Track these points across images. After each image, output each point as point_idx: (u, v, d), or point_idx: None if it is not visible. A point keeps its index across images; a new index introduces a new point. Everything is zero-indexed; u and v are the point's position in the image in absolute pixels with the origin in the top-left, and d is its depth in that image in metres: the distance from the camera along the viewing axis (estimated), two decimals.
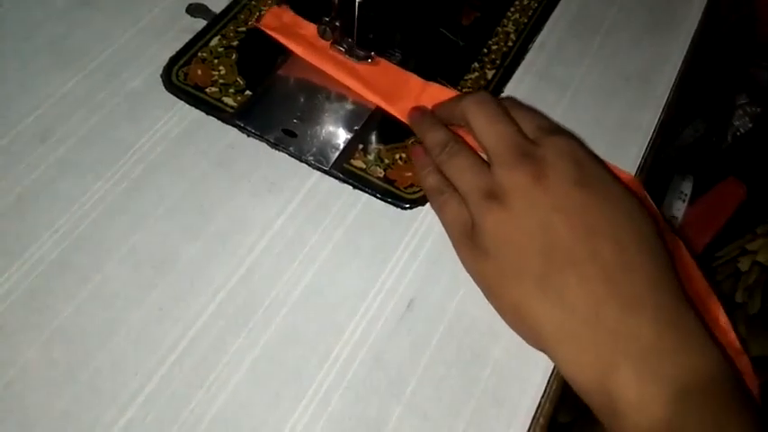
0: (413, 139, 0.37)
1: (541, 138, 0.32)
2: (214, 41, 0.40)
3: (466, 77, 0.40)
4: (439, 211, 0.34)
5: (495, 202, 0.30)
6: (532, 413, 0.30)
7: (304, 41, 0.40)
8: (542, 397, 0.30)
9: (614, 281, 0.28)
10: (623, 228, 0.29)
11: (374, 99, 0.38)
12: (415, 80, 0.39)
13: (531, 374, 0.30)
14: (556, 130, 0.33)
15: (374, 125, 0.38)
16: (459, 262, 0.33)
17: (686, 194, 0.79)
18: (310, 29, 0.40)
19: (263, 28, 0.40)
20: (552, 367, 0.31)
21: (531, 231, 0.29)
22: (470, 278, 0.33)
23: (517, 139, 0.32)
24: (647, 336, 0.27)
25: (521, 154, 0.31)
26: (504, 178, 0.31)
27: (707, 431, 0.25)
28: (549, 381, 0.30)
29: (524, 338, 0.30)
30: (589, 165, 0.31)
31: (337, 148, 0.36)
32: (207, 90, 0.38)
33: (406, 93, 0.38)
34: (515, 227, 0.30)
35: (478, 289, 0.32)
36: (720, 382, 0.27)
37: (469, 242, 0.31)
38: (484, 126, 0.32)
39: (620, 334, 0.27)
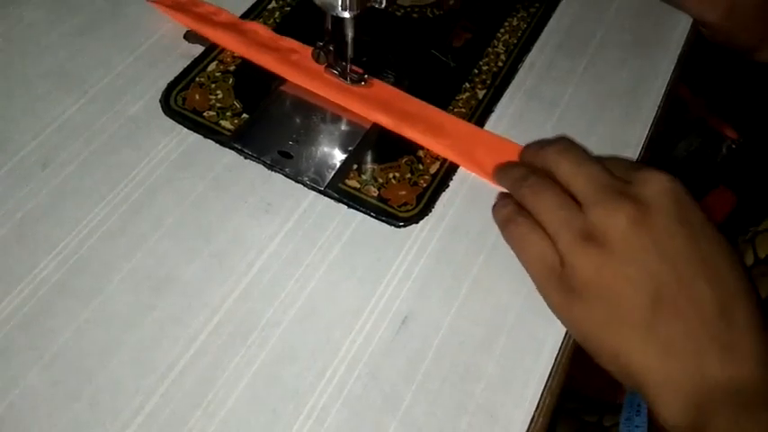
0: (406, 159, 0.38)
1: (633, 175, 0.31)
2: (211, 66, 0.41)
3: (457, 97, 0.41)
4: (517, 245, 0.33)
5: (593, 244, 0.29)
6: (526, 427, 0.30)
7: (200, 18, 0.42)
8: (536, 411, 0.30)
9: (716, 328, 0.28)
10: (722, 272, 0.29)
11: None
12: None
13: (524, 389, 0.31)
14: (644, 167, 0.31)
15: (368, 145, 0.39)
16: (453, 279, 0.34)
17: None
18: (206, 7, 0.43)
19: (155, 5, 0.43)
20: (545, 382, 0.31)
21: (636, 278, 0.28)
22: (465, 294, 0.33)
23: (609, 178, 0.31)
24: (746, 385, 0.27)
25: (616, 193, 0.30)
26: (602, 219, 0.29)
27: None
28: (542, 395, 0.31)
29: (621, 381, 0.30)
30: (688, 203, 0.30)
31: (332, 169, 0.37)
32: (205, 114, 0.39)
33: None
34: (618, 273, 0.29)
35: (473, 303, 0.33)
36: None
37: (559, 283, 0.30)
38: (570, 169, 0.31)
39: (720, 383, 0.27)
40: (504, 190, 0.36)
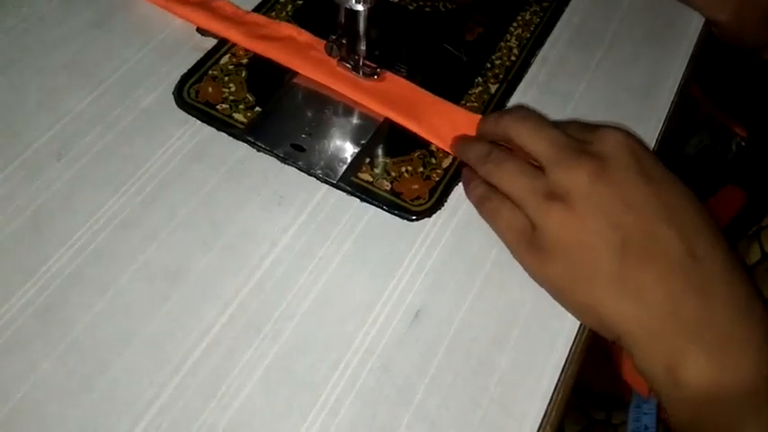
0: (419, 152, 0.38)
1: (591, 134, 0.32)
2: (224, 59, 0.41)
3: (470, 92, 0.41)
4: (490, 218, 0.34)
5: (557, 203, 0.30)
6: (539, 421, 0.30)
7: (189, 6, 0.42)
8: (549, 405, 0.30)
9: (687, 272, 0.28)
10: (687, 218, 0.30)
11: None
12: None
13: (537, 383, 0.31)
14: (603, 126, 0.32)
15: (381, 138, 0.39)
16: (466, 272, 0.34)
17: None
18: None
19: None
20: (559, 375, 0.31)
21: (601, 230, 0.29)
22: (478, 287, 0.33)
23: (567, 139, 0.32)
24: (720, 324, 0.28)
25: (575, 152, 0.31)
26: (564, 177, 0.30)
27: None
28: (555, 389, 0.31)
29: (599, 333, 0.31)
30: (645, 155, 0.31)
31: (345, 162, 0.37)
32: (218, 107, 0.39)
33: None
34: (582, 226, 0.29)
35: (486, 297, 0.33)
36: None
37: (530, 246, 0.31)
38: (530, 134, 0.32)
39: (695, 323, 0.28)
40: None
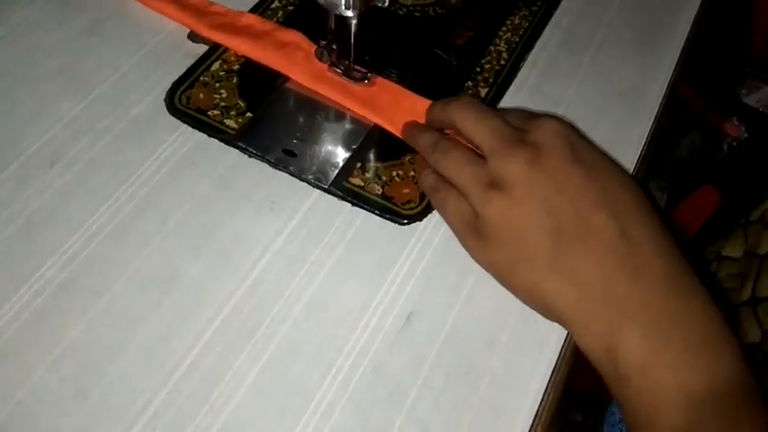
0: (410, 156, 0.38)
1: (530, 123, 0.33)
2: (215, 66, 0.41)
3: (460, 96, 0.41)
4: (439, 208, 0.35)
5: (495, 191, 0.31)
6: (530, 423, 0.30)
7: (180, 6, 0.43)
8: (540, 406, 0.31)
9: (621, 253, 0.29)
10: (621, 201, 0.30)
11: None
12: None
13: (528, 384, 0.31)
14: (541, 115, 0.34)
15: (372, 143, 0.39)
16: (457, 275, 0.34)
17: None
18: None
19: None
20: (549, 377, 0.32)
21: (536, 215, 0.30)
22: (469, 290, 0.33)
23: (507, 129, 0.33)
24: (654, 302, 0.28)
25: (514, 141, 0.32)
26: (502, 166, 0.31)
27: (709, 392, 0.27)
28: (546, 390, 0.31)
29: (541, 314, 0.31)
30: (580, 142, 0.32)
31: (336, 167, 0.37)
32: (209, 113, 0.39)
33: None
34: (519, 212, 0.30)
35: (477, 299, 0.33)
36: (723, 346, 0.28)
37: (474, 233, 0.32)
38: (473, 123, 0.33)
39: (630, 302, 0.28)
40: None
